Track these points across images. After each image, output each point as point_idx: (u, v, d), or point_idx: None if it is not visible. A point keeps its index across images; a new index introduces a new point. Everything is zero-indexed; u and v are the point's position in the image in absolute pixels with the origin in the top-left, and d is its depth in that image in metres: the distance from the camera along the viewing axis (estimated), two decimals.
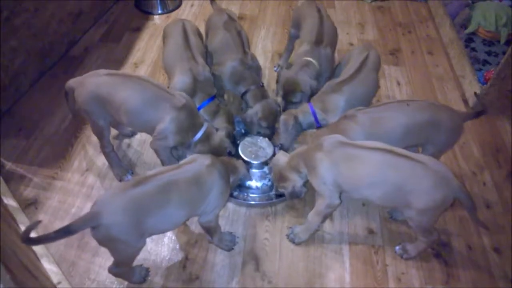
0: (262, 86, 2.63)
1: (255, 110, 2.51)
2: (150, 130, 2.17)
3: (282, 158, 2.07)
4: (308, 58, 2.52)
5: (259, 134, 2.56)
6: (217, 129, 2.33)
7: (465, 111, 2.91)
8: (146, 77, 2.20)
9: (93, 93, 2.09)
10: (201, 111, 2.43)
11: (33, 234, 1.51)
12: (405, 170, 1.78)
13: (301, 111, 2.37)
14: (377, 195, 1.87)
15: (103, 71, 2.16)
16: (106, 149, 2.37)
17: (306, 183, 2.05)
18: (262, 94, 2.57)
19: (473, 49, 3.30)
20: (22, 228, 2.08)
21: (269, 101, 2.54)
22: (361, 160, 1.83)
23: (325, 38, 2.60)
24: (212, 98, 2.46)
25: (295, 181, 2.01)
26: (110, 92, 2.08)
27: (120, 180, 2.44)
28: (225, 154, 2.26)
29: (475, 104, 2.95)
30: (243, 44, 2.62)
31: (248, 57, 2.59)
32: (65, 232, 1.52)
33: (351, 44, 3.56)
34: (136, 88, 2.08)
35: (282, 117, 2.39)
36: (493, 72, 2.88)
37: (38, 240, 1.57)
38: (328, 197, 1.94)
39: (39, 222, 1.69)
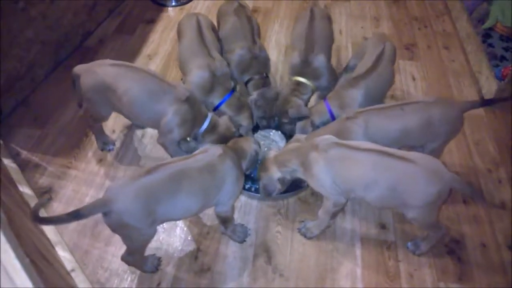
0: (267, 76, 2.62)
1: (252, 98, 2.51)
2: (152, 123, 2.19)
3: (273, 152, 2.08)
4: (299, 79, 2.48)
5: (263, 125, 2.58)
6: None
7: (465, 101, 2.86)
8: (150, 69, 2.21)
9: (97, 81, 2.11)
10: (223, 106, 2.43)
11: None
12: (397, 170, 1.78)
13: (317, 111, 2.34)
14: (372, 196, 1.86)
15: (108, 61, 2.18)
16: (94, 125, 2.43)
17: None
18: (264, 84, 2.56)
19: (490, 45, 3.23)
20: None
21: (265, 90, 2.52)
22: (355, 162, 1.83)
23: (316, 44, 2.49)
24: (232, 92, 2.45)
25: (272, 174, 2.00)
26: (113, 82, 2.10)
27: (102, 150, 2.51)
28: (234, 136, 2.29)
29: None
30: (253, 31, 2.62)
31: (256, 46, 2.58)
32: (75, 215, 1.53)
33: (366, 39, 3.51)
34: (139, 79, 2.10)
35: (299, 124, 2.38)
36: (510, 68, 2.83)
37: (48, 220, 1.58)
38: (331, 198, 1.94)
39: (50, 199, 1.68)
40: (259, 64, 2.58)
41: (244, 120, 2.46)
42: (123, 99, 2.09)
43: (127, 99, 2.09)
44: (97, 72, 2.13)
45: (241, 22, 2.61)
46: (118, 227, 1.67)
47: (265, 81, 2.59)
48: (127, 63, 2.20)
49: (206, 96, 2.41)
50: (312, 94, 2.57)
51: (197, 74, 2.35)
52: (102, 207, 1.59)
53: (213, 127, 2.25)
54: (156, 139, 2.24)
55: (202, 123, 2.22)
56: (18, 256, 0.95)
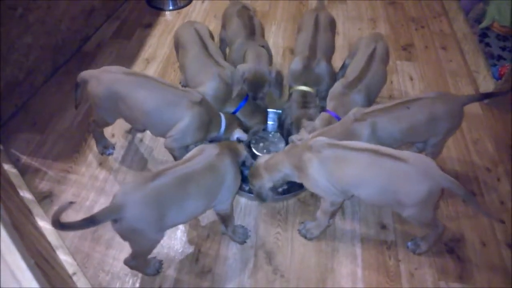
0: (263, 47, 2.58)
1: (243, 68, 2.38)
2: (166, 131, 2.16)
3: (265, 157, 2.07)
4: (304, 89, 2.48)
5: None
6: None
7: (465, 94, 2.88)
8: (159, 78, 2.20)
9: (110, 90, 2.08)
10: (238, 113, 2.43)
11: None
12: (388, 169, 1.79)
13: (329, 123, 2.25)
14: (365, 195, 1.88)
15: (118, 68, 2.15)
16: (96, 130, 2.44)
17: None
18: (261, 52, 2.51)
19: (488, 44, 3.25)
20: (38, 220, 2.11)
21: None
22: (348, 161, 1.84)
23: (319, 51, 2.50)
24: (246, 99, 2.44)
25: (264, 182, 2.00)
26: (127, 91, 2.07)
27: (102, 154, 2.53)
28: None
29: (489, 100, 2.92)
30: (254, 28, 2.62)
31: (255, 36, 2.58)
32: (90, 221, 1.53)
33: None
34: (153, 89, 2.08)
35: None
36: (507, 67, 2.84)
37: (67, 226, 1.58)
38: (327, 197, 1.95)
39: (72, 203, 1.69)
40: (258, 42, 2.57)
41: (256, 125, 2.48)
42: (138, 110, 2.08)
43: (143, 110, 2.07)
44: (109, 80, 2.09)
45: (243, 22, 2.63)
46: (129, 233, 1.66)
47: (262, 50, 2.53)
48: (139, 72, 2.19)
49: (222, 106, 2.39)
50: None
51: (210, 86, 2.33)
52: (114, 214, 1.58)
53: (230, 124, 2.27)
54: (164, 143, 2.21)
55: (219, 125, 2.24)
56: (24, 257, 0.95)
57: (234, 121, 2.30)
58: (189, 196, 1.72)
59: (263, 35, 2.75)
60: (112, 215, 1.59)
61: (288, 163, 1.95)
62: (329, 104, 2.35)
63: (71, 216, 2.22)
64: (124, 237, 1.69)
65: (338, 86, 2.35)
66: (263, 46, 2.56)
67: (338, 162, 1.85)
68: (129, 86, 2.08)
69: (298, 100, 2.47)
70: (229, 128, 2.25)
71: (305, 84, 2.49)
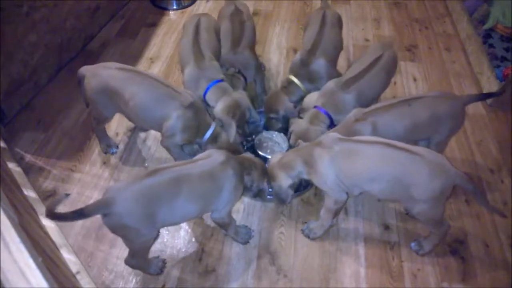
0: (240, 72, 2.58)
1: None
2: (156, 127, 2.21)
3: (277, 156, 2.05)
4: (293, 78, 2.51)
5: None
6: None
7: (466, 94, 2.89)
8: (155, 75, 2.23)
9: (103, 84, 2.14)
10: (206, 97, 2.37)
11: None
12: (402, 163, 1.79)
13: (315, 119, 2.28)
14: (378, 189, 1.87)
15: (114, 64, 2.21)
16: (98, 128, 2.46)
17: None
18: (233, 79, 2.53)
19: (491, 46, 3.24)
20: (42, 218, 2.12)
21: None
22: (361, 155, 1.83)
23: (320, 48, 2.48)
24: (216, 82, 2.36)
25: (282, 181, 1.97)
26: (120, 86, 2.12)
27: (106, 153, 2.54)
28: (239, 152, 2.26)
29: (493, 101, 2.92)
30: (242, 37, 2.59)
31: (239, 48, 2.55)
32: (79, 214, 1.55)
33: (367, 40, 3.54)
34: (145, 85, 2.12)
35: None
36: (511, 68, 2.84)
37: (58, 217, 1.59)
38: (333, 194, 1.95)
39: (68, 194, 1.71)
40: (239, 63, 2.57)
41: (219, 111, 2.31)
42: (130, 103, 2.12)
43: (134, 103, 2.11)
44: (104, 74, 2.15)
45: (233, 27, 2.62)
46: (118, 228, 1.68)
47: (237, 77, 2.55)
48: (134, 68, 2.23)
49: (197, 90, 2.37)
50: (300, 99, 2.57)
51: (186, 72, 2.39)
52: (104, 208, 1.60)
53: (215, 137, 2.25)
54: (160, 141, 2.26)
55: (205, 132, 2.23)
56: (33, 256, 0.96)
57: (220, 138, 2.26)
58: (181, 197, 1.71)
59: (253, 41, 2.73)
60: (101, 209, 1.60)
61: (300, 160, 1.95)
62: (318, 100, 2.34)
63: None
64: (114, 231, 1.70)
65: (330, 83, 2.34)
66: (239, 72, 2.56)
67: (351, 156, 1.84)
68: (123, 81, 2.13)
69: (283, 84, 2.55)
70: (212, 140, 2.24)
71: (296, 76, 2.51)
